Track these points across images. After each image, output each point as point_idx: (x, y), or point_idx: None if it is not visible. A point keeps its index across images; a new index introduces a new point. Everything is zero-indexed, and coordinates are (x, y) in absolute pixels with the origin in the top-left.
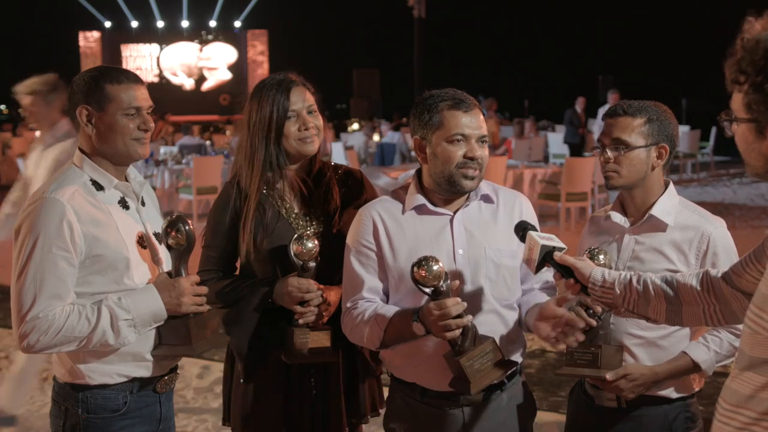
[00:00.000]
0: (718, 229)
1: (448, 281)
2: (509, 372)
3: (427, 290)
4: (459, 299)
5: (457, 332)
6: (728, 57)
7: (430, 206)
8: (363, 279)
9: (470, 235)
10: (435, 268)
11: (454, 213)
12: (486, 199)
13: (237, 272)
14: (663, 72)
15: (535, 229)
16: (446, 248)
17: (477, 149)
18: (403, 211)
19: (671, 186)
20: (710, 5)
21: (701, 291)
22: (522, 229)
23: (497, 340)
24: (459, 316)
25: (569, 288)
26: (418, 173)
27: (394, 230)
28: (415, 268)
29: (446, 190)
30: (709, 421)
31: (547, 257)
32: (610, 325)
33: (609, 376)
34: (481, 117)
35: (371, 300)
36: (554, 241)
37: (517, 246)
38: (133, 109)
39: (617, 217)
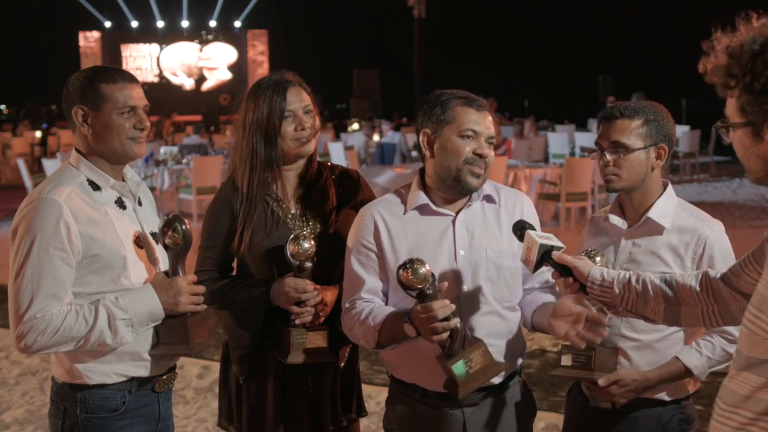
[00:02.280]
0: (715, 232)
1: (436, 283)
2: (500, 374)
3: (413, 293)
4: (447, 302)
5: (444, 335)
6: (710, 67)
7: (432, 206)
8: (363, 279)
9: (472, 236)
10: (421, 270)
11: (456, 213)
12: (488, 199)
13: (234, 273)
14: (663, 72)
15: (533, 228)
16: (448, 249)
17: (486, 147)
18: (405, 211)
19: (670, 187)
20: (710, 5)
21: (700, 292)
22: (520, 228)
23: (497, 342)
24: (447, 319)
25: (568, 287)
26: (421, 172)
27: (396, 230)
28: (401, 271)
29: (450, 187)
30: (708, 419)
31: (545, 256)
32: (606, 328)
33: (601, 381)
34: (490, 118)
35: (369, 300)
36: (552, 240)
37: (518, 247)
38: (128, 108)
39: (615, 219)
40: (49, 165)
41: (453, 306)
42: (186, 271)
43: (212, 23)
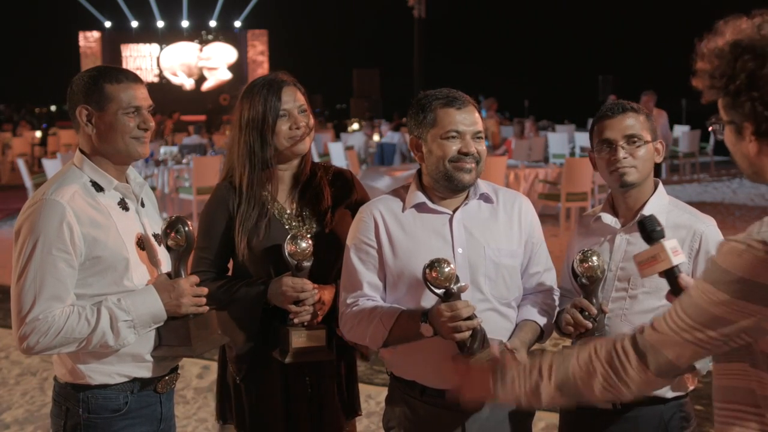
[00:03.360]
0: (709, 227)
1: (459, 283)
2: None
3: (439, 291)
4: (469, 302)
5: (467, 334)
6: (698, 68)
7: (429, 204)
8: (364, 276)
9: (469, 234)
10: (446, 269)
11: (454, 212)
12: (485, 198)
13: (229, 273)
14: (663, 72)
15: (662, 235)
16: (446, 247)
17: (472, 145)
18: (404, 209)
19: (660, 186)
20: (710, 6)
21: None
22: (650, 231)
23: (496, 339)
24: (469, 318)
25: None
26: (419, 172)
27: (394, 228)
28: (427, 270)
29: (444, 186)
30: (707, 419)
31: (669, 274)
32: (605, 327)
33: None
34: (476, 114)
35: (372, 297)
36: (680, 256)
37: (517, 245)
38: (132, 108)
39: (608, 218)
40: (49, 165)
41: (475, 306)
42: (188, 272)
43: (212, 23)
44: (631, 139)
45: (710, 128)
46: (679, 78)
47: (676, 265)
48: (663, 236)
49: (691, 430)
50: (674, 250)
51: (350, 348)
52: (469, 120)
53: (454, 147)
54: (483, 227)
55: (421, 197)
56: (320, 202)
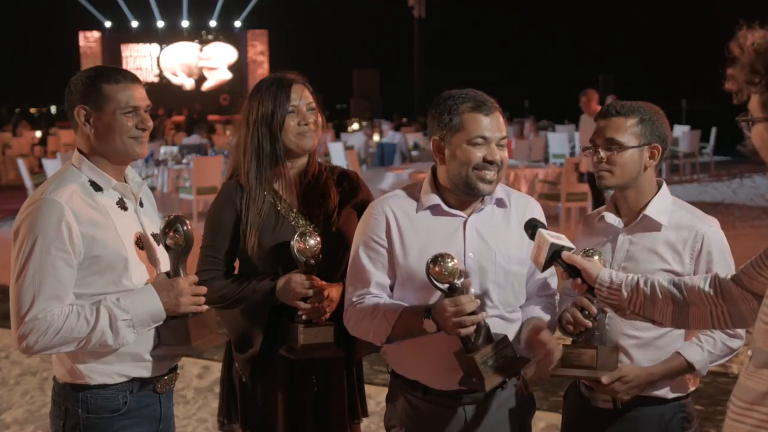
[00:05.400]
0: (711, 228)
1: (462, 278)
2: (523, 368)
3: (443, 286)
4: (473, 296)
5: (471, 329)
6: (732, 62)
7: (444, 207)
8: (371, 274)
9: (482, 240)
10: (450, 264)
11: (468, 216)
12: (499, 203)
13: (236, 272)
14: (663, 72)
15: (545, 227)
16: (457, 250)
17: (497, 152)
18: (417, 210)
19: (664, 186)
20: (711, 6)
21: (709, 292)
22: (532, 227)
23: (501, 334)
24: (473, 313)
25: (576, 288)
26: (434, 171)
27: (407, 228)
28: (431, 265)
29: (463, 191)
30: (708, 419)
31: (555, 256)
32: (606, 326)
33: (605, 379)
34: (502, 119)
35: (378, 295)
36: (563, 240)
37: (527, 253)
38: (130, 108)
39: (611, 218)
40: (49, 165)
41: (479, 301)
42: (187, 271)
43: (212, 23)
44: (610, 143)
45: (740, 124)
46: (679, 78)
47: (558, 245)
48: (543, 227)
49: (693, 431)
50: (551, 235)
51: (357, 348)
52: (495, 126)
53: (479, 154)
54: (495, 233)
55: (436, 199)
56: (327, 201)
